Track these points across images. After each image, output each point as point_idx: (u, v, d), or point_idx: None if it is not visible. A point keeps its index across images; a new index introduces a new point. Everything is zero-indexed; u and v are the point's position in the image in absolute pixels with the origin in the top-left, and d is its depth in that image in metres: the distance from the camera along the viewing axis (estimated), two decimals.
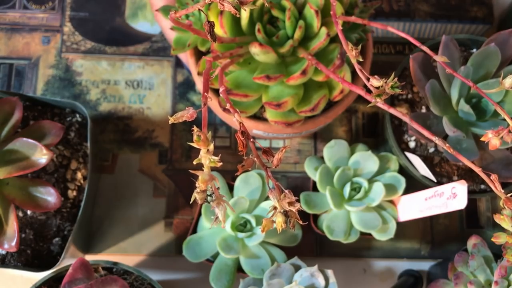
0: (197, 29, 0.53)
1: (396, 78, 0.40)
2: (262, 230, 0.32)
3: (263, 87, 0.57)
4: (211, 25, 0.35)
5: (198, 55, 0.62)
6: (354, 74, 0.59)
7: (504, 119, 0.58)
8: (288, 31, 0.55)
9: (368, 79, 0.41)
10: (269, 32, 0.55)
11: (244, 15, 0.54)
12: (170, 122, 0.34)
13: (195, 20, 0.56)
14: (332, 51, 0.57)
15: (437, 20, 0.82)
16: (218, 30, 0.54)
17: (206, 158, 0.32)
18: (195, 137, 0.32)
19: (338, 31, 0.45)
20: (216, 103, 0.61)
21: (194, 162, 0.33)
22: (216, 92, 0.60)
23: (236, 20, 0.55)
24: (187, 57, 0.63)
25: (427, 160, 0.64)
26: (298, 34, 0.54)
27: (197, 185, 0.31)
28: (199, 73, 0.60)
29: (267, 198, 0.64)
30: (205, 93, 0.36)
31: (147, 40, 0.80)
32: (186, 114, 0.34)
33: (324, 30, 0.54)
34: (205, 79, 0.40)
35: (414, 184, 0.65)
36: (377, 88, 0.40)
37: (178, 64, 0.79)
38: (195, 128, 0.32)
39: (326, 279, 0.59)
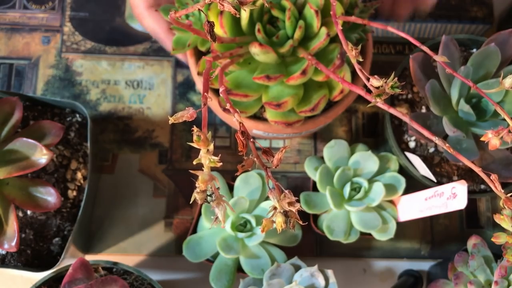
0: (197, 29, 0.53)
1: (396, 78, 0.40)
2: (262, 230, 0.32)
3: (263, 87, 0.57)
4: (211, 25, 0.35)
5: (198, 55, 0.62)
6: (354, 74, 0.59)
7: (504, 119, 0.58)
8: (288, 31, 0.55)
9: (368, 79, 0.41)
10: (269, 32, 0.55)
11: (244, 15, 0.54)
12: (170, 122, 0.34)
13: (195, 20, 0.56)
14: (332, 51, 0.57)
15: (437, 20, 0.82)
16: (218, 30, 0.54)
17: (206, 158, 0.32)
18: (195, 137, 0.32)
19: (338, 31, 0.45)
20: (216, 103, 0.61)
21: (194, 162, 0.33)
22: (216, 92, 0.60)
23: (236, 20, 0.55)
24: (187, 57, 0.63)
25: (427, 160, 0.64)
26: (298, 34, 0.54)
27: (197, 185, 0.31)
28: (199, 73, 0.60)
29: (267, 198, 0.64)
30: (205, 93, 0.36)
31: (147, 40, 0.80)
32: (186, 114, 0.34)
33: (324, 30, 0.54)
34: (205, 79, 0.40)
35: (414, 184, 0.65)
36: (377, 88, 0.40)
37: (178, 64, 0.79)
38: (195, 128, 0.32)
39: (326, 279, 0.59)
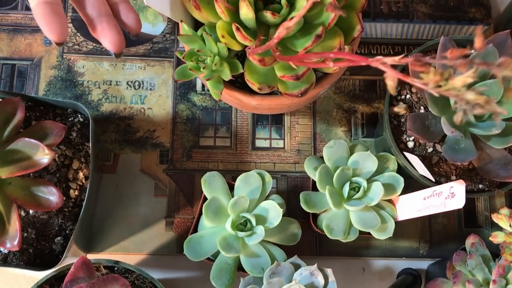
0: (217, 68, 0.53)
1: None
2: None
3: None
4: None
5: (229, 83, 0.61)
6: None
7: (502, 120, 0.59)
8: (283, 12, 0.54)
9: None
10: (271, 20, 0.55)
11: (250, 15, 0.54)
12: None
13: (210, 61, 0.55)
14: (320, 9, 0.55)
15: (435, 21, 0.83)
16: (241, 39, 0.54)
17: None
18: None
19: None
20: (227, 96, 0.60)
21: None
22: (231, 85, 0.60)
23: (244, 26, 0.55)
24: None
25: (426, 159, 0.64)
26: (285, 11, 0.52)
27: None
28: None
29: (267, 198, 0.65)
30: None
31: (148, 41, 0.80)
32: None
33: None
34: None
35: (413, 183, 0.66)
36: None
37: (179, 65, 0.79)
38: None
39: (326, 278, 0.60)
